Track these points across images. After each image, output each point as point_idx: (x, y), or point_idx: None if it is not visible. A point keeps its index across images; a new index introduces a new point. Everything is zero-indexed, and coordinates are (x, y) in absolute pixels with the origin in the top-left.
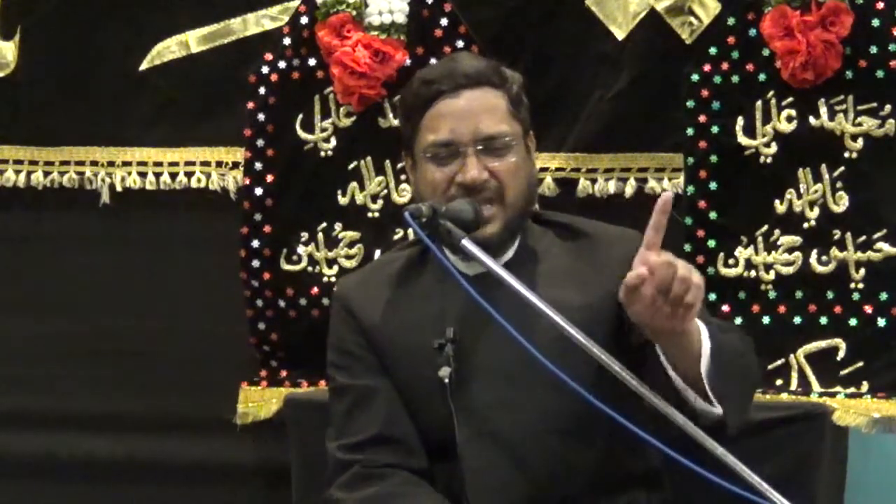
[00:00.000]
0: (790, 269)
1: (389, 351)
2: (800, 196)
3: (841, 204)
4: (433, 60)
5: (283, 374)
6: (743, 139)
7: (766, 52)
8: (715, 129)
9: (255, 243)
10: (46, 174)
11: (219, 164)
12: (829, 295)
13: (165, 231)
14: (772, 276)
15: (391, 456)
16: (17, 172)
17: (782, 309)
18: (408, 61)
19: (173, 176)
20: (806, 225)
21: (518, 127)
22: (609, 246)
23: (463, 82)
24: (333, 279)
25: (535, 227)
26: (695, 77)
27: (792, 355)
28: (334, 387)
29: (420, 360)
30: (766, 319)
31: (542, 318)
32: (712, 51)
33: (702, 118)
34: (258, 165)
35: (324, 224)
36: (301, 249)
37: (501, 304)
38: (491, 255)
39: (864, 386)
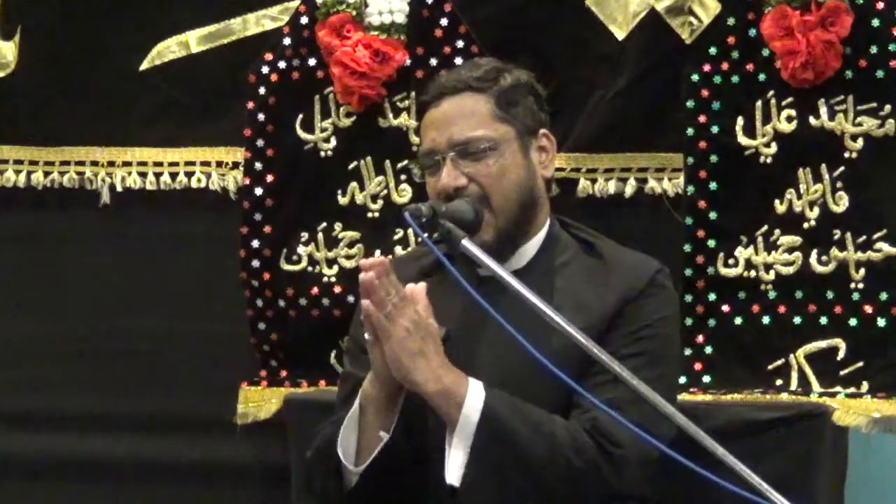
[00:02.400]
0: (790, 269)
1: None
2: (800, 196)
3: (841, 204)
4: (433, 60)
5: (283, 374)
6: (743, 139)
7: (766, 52)
8: (715, 129)
9: (255, 243)
10: (46, 174)
11: (219, 164)
12: (829, 295)
13: (165, 231)
14: (772, 276)
15: None
16: (17, 172)
17: (782, 309)
18: (408, 61)
19: (173, 176)
20: (806, 225)
21: (506, 129)
22: (617, 276)
23: (444, 91)
24: (333, 279)
25: (564, 236)
26: (695, 77)
27: (792, 355)
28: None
29: None
30: (766, 319)
31: (545, 329)
32: (712, 51)
33: (702, 118)
34: (258, 165)
35: (324, 224)
36: (301, 249)
37: (508, 309)
38: (498, 261)
39: (864, 386)
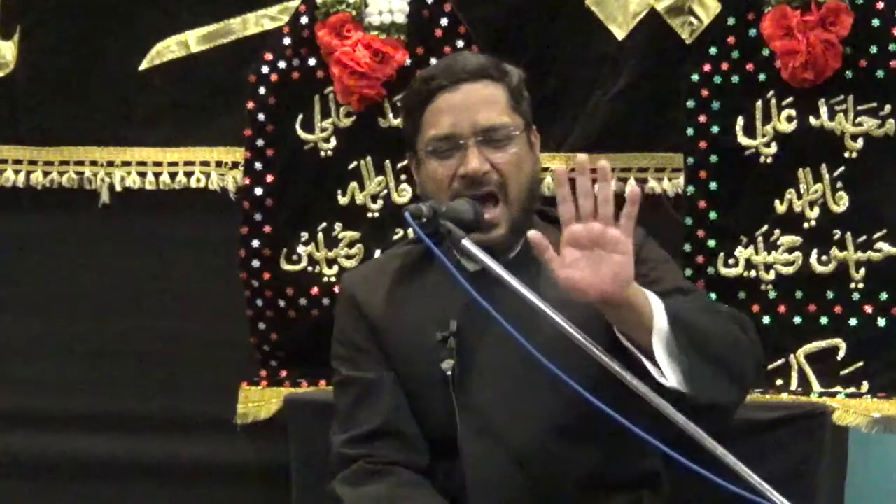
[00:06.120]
0: (790, 269)
1: (394, 345)
2: (800, 196)
3: (841, 204)
4: (433, 60)
5: (283, 374)
6: (743, 139)
7: (766, 52)
8: (715, 129)
9: (255, 243)
10: (46, 174)
11: (219, 164)
12: (829, 295)
13: (165, 231)
14: (772, 276)
15: (394, 451)
16: (17, 172)
17: (782, 309)
18: (408, 61)
19: (173, 176)
20: (806, 225)
21: (519, 120)
22: None
23: (462, 76)
24: (333, 279)
25: (541, 223)
26: (695, 77)
27: (792, 355)
28: (340, 379)
29: (424, 355)
30: (766, 319)
31: (544, 316)
32: (712, 51)
33: (702, 118)
34: (258, 165)
35: (324, 224)
36: (301, 249)
37: (503, 302)
38: (495, 253)
39: (864, 386)
